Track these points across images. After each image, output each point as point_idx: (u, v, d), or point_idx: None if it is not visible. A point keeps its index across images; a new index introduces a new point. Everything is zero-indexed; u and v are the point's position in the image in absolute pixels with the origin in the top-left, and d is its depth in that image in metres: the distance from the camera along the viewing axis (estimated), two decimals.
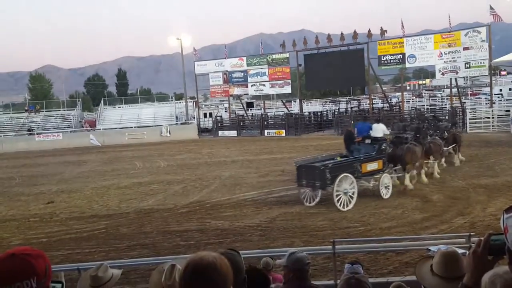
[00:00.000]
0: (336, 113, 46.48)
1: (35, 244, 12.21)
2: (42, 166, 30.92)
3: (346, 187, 14.11)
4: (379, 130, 17.37)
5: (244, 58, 47.56)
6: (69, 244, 12.38)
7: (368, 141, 16.50)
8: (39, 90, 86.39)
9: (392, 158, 16.29)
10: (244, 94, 49.57)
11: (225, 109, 54.95)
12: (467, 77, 45.39)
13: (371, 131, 17.54)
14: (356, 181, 14.54)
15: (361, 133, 17.31)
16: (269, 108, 57.95)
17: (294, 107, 53.94)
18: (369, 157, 15.53)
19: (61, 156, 36.19)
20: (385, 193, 15.10)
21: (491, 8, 34.34)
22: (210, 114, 52.36)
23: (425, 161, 17.56)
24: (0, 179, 25.77)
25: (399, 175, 16.62)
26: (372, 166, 15.39)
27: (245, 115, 49.18)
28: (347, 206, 14.03)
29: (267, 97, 55.95)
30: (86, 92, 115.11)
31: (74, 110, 56.59)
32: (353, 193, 14.27)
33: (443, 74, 36.99)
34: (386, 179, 15.32)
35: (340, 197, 14.01)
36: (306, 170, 14.89)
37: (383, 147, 15.94)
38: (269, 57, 45.21)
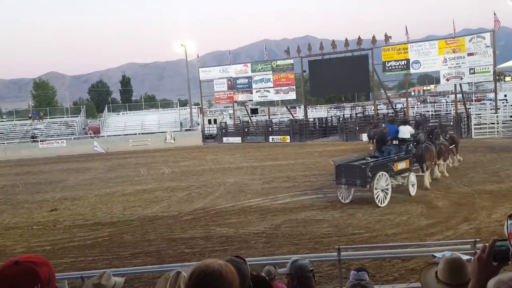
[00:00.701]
0: (341, 119, 46.51)
1: (39, 252, 12.21)
2: (45, 173, 30.98)
3: (382, 185, 15.12)
4: (406, 131, 18.20)
5: (249, 64, 47.60)
6: (73, 252, 12.37)
7: (395, 142, 17.56)
8: (43, 97, 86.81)
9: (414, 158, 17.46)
10: (249, 100, 49.58)
11: (230, 115, 55.09)
12: (471, 82, 45.38)
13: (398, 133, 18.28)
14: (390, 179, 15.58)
15: (389, 135, 17.92)
16: (273, 114, 57.92)
17: (299, 113, 54.01)
18: (400, 156, 16.66)
19: (64, 163, 36.24)
20: (412, 190, 16.20)
21: (495, 14, 34.30)
22: (215, 121, 52.42)
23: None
24: (4, 187, 25.85)
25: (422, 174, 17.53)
26: (401, 165, 16.49)
27: (249, 121, 49.18)
28: (383, 202, 15.00)
29: (271, 103, 55.97)
30: (90, 99, 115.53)
31: (78, 117, 56.80)
32: (387, 190, 15.25)
33: (447, 80, 36.95)
34: (413, 177, 16.42)
35: (378, 194, 14.96)
36: (346, 169, 15.76)
37: (410, 148, 17.26)
38: (274, 63, 45.24)
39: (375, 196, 14.85)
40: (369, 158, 16.63)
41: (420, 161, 17.47)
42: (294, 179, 21.16)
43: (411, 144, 17.46)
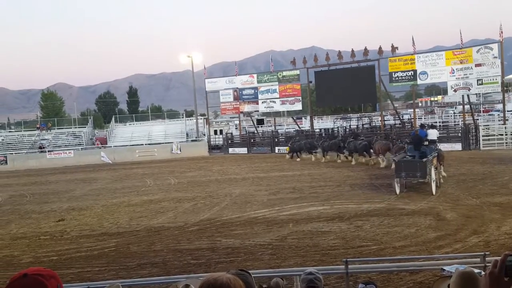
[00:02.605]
0: (347, 129, 46.35)
1: (46, 262, 12.21)
2: (53, 183, 31.07)
3: (433, 176, 18.14)
4: (433, 134, 22.04)
5: (255, 75, 47.65)
6: (80, 262, 12.35)
7: (426, 143, 20.41)
8: (51, 107, 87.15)
9: None
10: (255, 111, 49.55)
11: (236, 126, 55.06)
12: (479, 93, 45.15)
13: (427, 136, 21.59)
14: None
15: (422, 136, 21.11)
16: (279, 125, 57.82)
17: (305, 124, 53.90)
18: (434, 155, 19.60)
19: (71, 174, 36.37)
20: (439, 183, 19.35)
21: (500, 28, 34.16)
22: (221, 131, 52.43)
23: None
24: (11, 197, 25.92)
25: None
26: (434, 161, 19.38)
27: (255, 132, 49.14)
28: (435, 191, 17.83)
29: (277, 114, 55.90)
30: (97, 109, 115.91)
31: (85, 127, 56.98)
32: (434, 181, 18.17)
33: (455, 90, 36.83)
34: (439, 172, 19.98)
35: (433, 184, 17.88)
36: (406, 164, 18.70)
37: (437, 148, 20.61)
38: (280, 74, 45.30)
39: (433, 186, 17.78)
40: (408, 157, 19.73)
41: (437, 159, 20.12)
42: (300, 190, 21.10)
43: (437, 145, 20.99)
